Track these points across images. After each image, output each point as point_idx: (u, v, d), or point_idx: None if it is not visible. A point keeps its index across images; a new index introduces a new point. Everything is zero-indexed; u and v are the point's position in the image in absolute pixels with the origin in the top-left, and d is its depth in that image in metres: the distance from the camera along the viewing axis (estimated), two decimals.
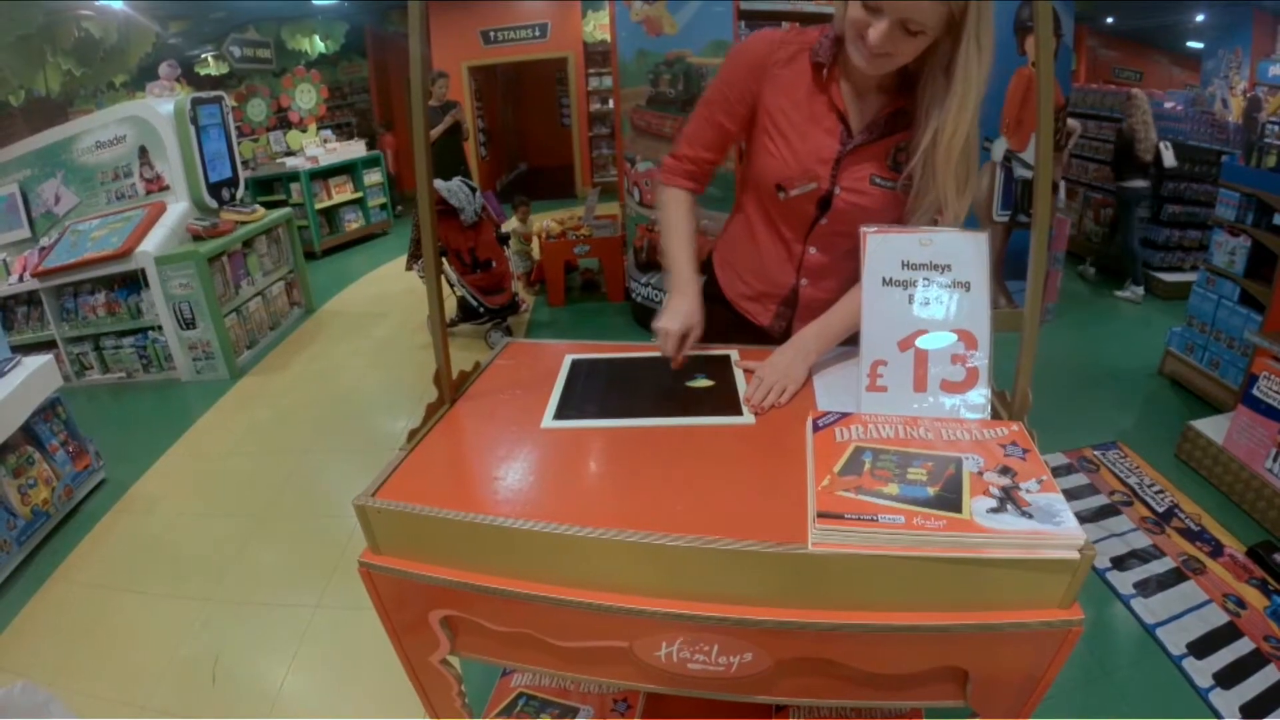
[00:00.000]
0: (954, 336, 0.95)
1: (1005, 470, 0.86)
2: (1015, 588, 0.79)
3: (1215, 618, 2.16)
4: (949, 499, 0.80)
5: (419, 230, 5.11)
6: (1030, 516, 0.78)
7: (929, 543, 0.76)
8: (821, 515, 0.78)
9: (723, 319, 1.40)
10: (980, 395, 0.95)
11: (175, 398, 4.14)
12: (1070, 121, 5.00)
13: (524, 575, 0.88)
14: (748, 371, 1.21)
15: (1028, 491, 0.82)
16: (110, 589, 2.49)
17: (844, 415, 0.95)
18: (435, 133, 5.70)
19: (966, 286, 0.94)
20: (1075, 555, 0.76)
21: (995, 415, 0.99)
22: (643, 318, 4.46)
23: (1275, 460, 2.60)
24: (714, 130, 1.27)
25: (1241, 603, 2.22)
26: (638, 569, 0.83)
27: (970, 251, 0.94)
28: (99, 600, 2.44)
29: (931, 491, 0.81)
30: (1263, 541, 2.46)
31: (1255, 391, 2.67)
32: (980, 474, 0.85)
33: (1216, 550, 2.46)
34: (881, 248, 0.94)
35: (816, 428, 0.93)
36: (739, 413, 1.09)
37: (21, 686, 1.26)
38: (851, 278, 1.23)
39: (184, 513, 2.95)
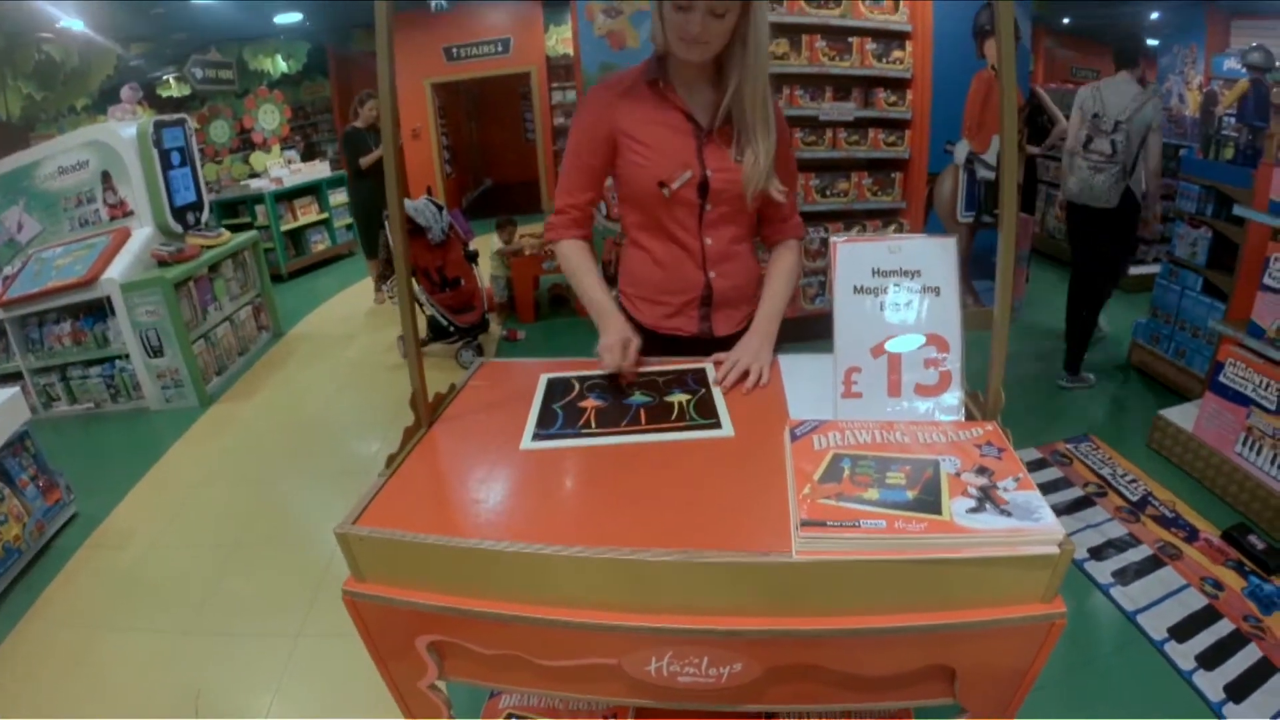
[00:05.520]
0: (923, 338, 0.97)
1: (982, 470, 0.87)
2: (998, 585, 0.80)
3: (1194, 601, 2.20)
4: (928, 501, 0.81)
5: (387, 250, 5.07)
6: (1009, 514, 0.80)
7: (911, 545, 0.77)
8: (804, 523, 0.78)
9: (651, 345, 1.46)
10: (954, 397, 0.97)
11: (145, 427, 4.06)
12: (1060, 125, 5.07)
13: (510, 597, 0.87)
14: (717, 363, 1.32)
15: (1005, 490, 0.84)
16: (87, 626, 2.43)
17: (821, 423, 0.96)
18: (367, 161, 5.47)
19: (936, 291, 0.96)
20: (1055, 550, 0.77)
21: (969, 416, 1.01)
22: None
23: (1245, 444, 2.66)
24: (585, 173, 1.42)
25: (1219, 585, 2.26)
26: (624, 586, 0.83)
27: (939, 256, 0.95)
28: (76, 638, 2.38)
29: (911, 495, 0.82)
30: (1236, 524, 2.51)
31: (1222, 378, 2.74)
32: (958, 475, 0.86)
33: (1191, 535, 2.51)
34: (851, 256, 0.96)
35: (794, 436, 0.94)
36: (718, 425, 1.10)
37: None
38: (745, 263, 1.49)
39: (158, 545, 2.88)
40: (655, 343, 1.49)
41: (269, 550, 2.76)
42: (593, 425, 1.13)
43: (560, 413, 1.19)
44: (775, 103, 1.36)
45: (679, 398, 1.20)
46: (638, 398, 1.22)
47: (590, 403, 1.22)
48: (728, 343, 1.41)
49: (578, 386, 1.28)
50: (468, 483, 1.02)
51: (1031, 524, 0.78)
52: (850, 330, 0.97)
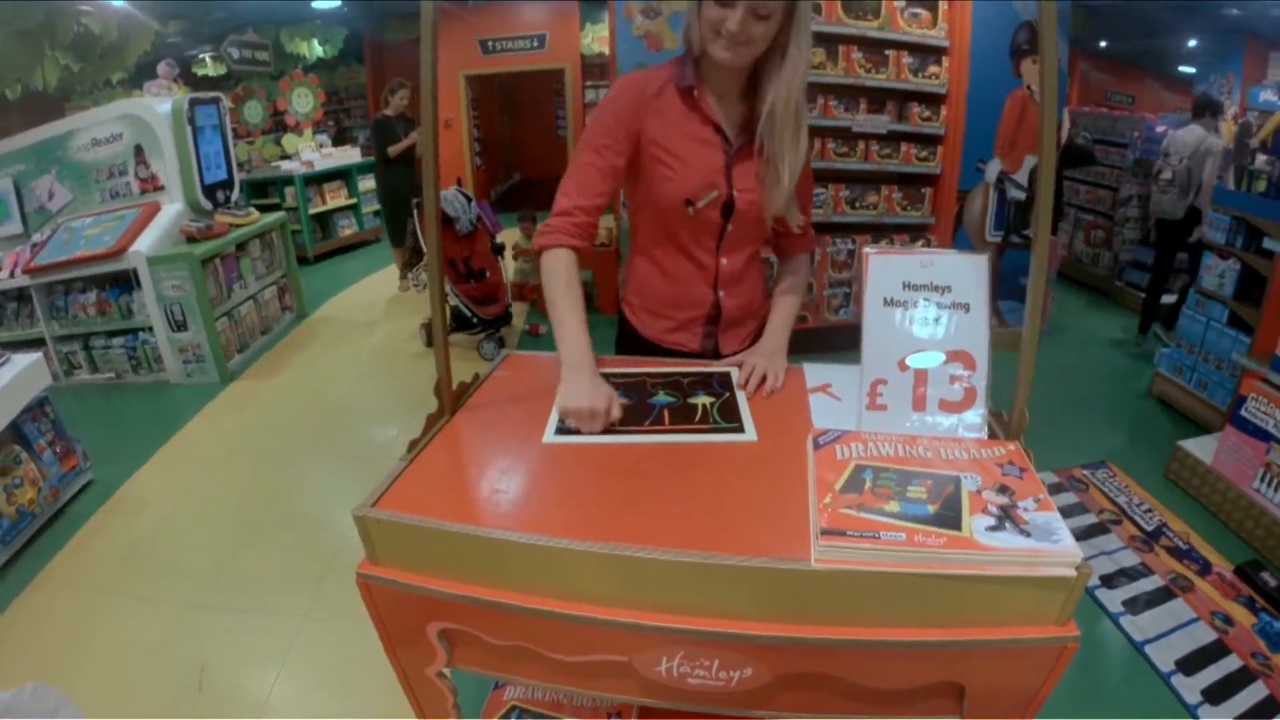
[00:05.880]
0: (943, 356, 0.97)
1: (1003, 489, 0.87)
2: (1013, 604, 0.80)
3: (1203, 635, 2.18)
4: (949, 517, 0.81)
5: (414, 239, 5.08)
6: (1028, 534, 0.79)
7: (930, 559, 0.77)
8: (825, 532, 0.78)
9: (651, 356, 1.46)
10: (978, 415, 0.96)
11: (164, 400, 4.11)
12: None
13: (524, 589, 0.87)
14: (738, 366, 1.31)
15: (1025, 510, 0.83)
16: (96, 592, 2.46)
17: (844, 433, 0.96)
18: (396, 149, 5.56)
19: (966, 308, 0.95)
20: (1072, 573, 0.77)
21: (992, 435, 1.00)
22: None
23: (1263, 480, 2.62)
24: (604, 174, 1.29)
25: (1229, 620, 2.24)
26: (639, 584, 0.83)
27: (970, 273, 0.95)
28: (84, 604, 2.41)
29: (931, 509, 0.82)
30: (1250, 560, 2.49)
31: (1243, 412, 2.71)
32: (979, 492, 0.86)
33: (1204, 568, 2.48)
34: (883, 268, 0.95)
35: (817, 445, 0.94)
36: (741, 430, 1.10)
37: (33, 688, 1.23)
38: (755, 282, 1.46)
39: (171, 516, 2.92)
40: (655, 354, 1.47)
41: (282, 530, 2.79)
42: (615, 423, 1.13)
43: None
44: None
45: (703, 400, 1.20)
46: (661, 398, 1.21)
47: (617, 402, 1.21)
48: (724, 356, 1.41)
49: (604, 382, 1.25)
50: (488, 473, 1.02)
51: (1050, 545, 0.78)
52: (879, 342, 0.96)
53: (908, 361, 0.98)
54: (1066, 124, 5.15)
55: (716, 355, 1.46)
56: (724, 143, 1.30)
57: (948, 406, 0.96)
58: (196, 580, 2.51)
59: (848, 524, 0.79)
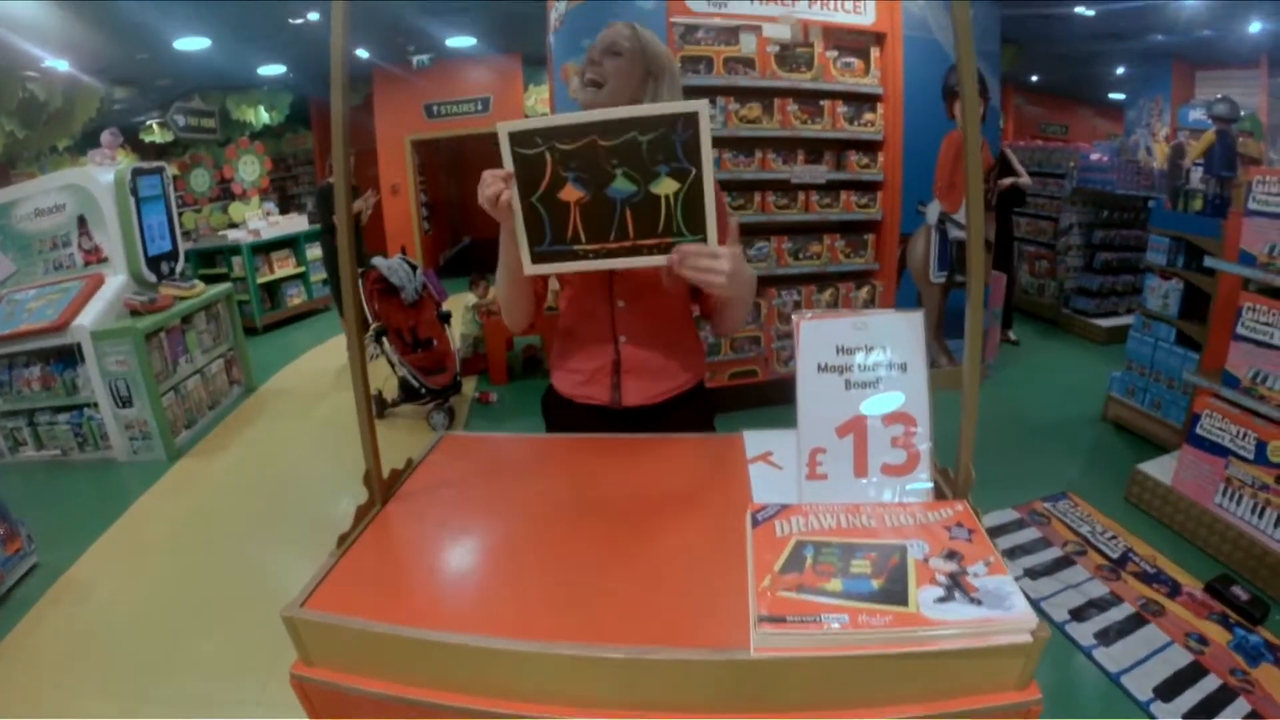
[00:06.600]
0: (882, 419, 0.95)
1: (951, 555, 0.85)
2: (969, 675, 0.77)
3: (1179, 658, 2.17)
4: (894, 591, 0.78)
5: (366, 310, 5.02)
6: (979, 603, 0.77)
7: (876, 640, 0.74)
8: (764, 619, 0.75)
9: (569, 418, 1.47)
10: (923, 477, 0.95)
11: (111, 479, 3.96)
12: (1022, 179, 5.21)
13: (462, 689, 0.83)
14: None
15: (975, 575, 0.81)
16: (40, 684, 2.33)
17: (783, 507, 0.93)
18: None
19: (904, 367, 0.94)
20: (1027, 638, 0.75)
21: (939, 493, 0.98)
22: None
23: (1224, 494, 2.66)
24: None
25: (1204, 640, 2.23)
26: (578, 681, 0.79)
27: (906, 332, 0.94)
28: (29, 695, 2.29)
29: (876, 585, 0.79)
30: (1219, 575, 2.50)
31: (1199, 430, 2.75)
32: (926, 560, 0.83)
33: (1174, 590, 2.49)
34: (814, 334, 0.94)
35: (756, 522, 0.91)
36: (704, 238, 1.11)
37: None
38: (661, 321, 1.42)
39: (118, 602, 2.79)
40: (571, 412, 1.47)
41: (231, 614, 2.67)
42: (581, 237, 1.13)
43: (544, 214, 1.13)
44: None
45: (666, 187, 1.09)
46: (621, 184, 1.10)
47: (571, 193, 1.12)
48: (640, 413, 1.41)
49: (549, 158, 1.11)
50: (421, 567, 0.98)
51: (1002, 613, 0.76)
52: (815, 409, 0.94)
53: (852, 424, 0.96)
54: (1016, 163, 5.29)
55: (624, 409, 1.43)
56: None
57: (891, 470, 0.94)
58: (144, 670, 2.38)
59: (787, 608, 0.76)
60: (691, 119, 1.05)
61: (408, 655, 0.84)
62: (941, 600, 0.78)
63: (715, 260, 1.11)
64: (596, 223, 1.12)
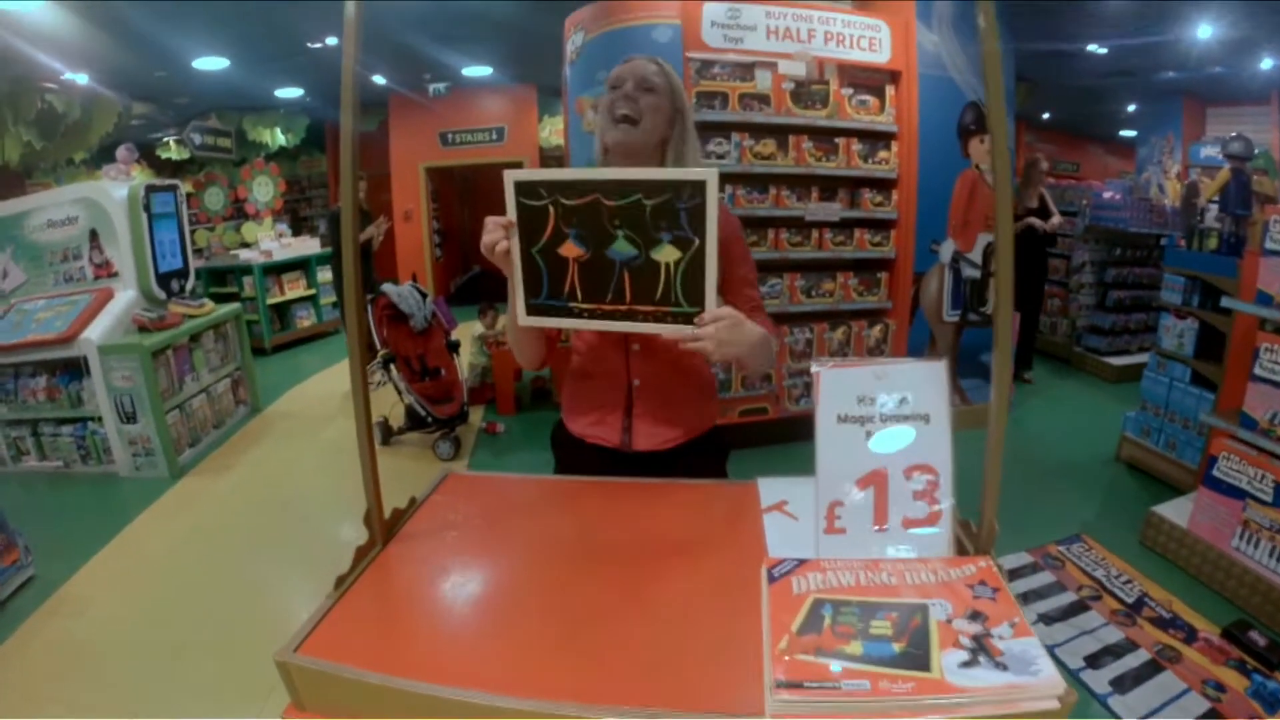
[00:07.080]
0: (916, 457, 0.92)
1: (975, 615, 0.81)
2: None
3: (1196, 706, 2.11)
4: (916, 656, 0.75)
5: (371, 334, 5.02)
6: (1005, 668, 0.74)
7: (897, 708, 0.71)
8: (780, 684, 0.71)
9: (578, 457, 1.45)
10: (944, 531, 0.91)
11: (113, 494, 3.93)
12: (1053, 219, 5.19)
13: None
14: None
15: (1000, 638, 0.78)
16: (31, 699, 2.29)
17: (800, 563, 0.89)
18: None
19: (926, 418, 0.91)
20: (1055, 704, 0.71)
21: (960, 548, 0.95)
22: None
23: (1241, 538, 2.60)
24: None
25: (1221, 687, 2.17)
26: None
27: (928, 382, 0.91)
28: (18, 708, 2.24)
29: (897, 648, 0.76)
30: (1236, 620, 2.43)
31: (1215, 472, 2.70)
32: (949, 621, 0.80)
33: (1190, 636, 2.43)
34: (835, 384, 0.91)
35: (772, 578, 0.87)
36: (701, 308, 1.08)
37: None
38: (676, 367, 1.38)
39: (114, 619, 2.74)
40: (582, 452, 1.44)
41: (230, 636, 2.61)
42: (578, 295, 1.11)
43: (544, 267, 1.11)
44: (724, 208, 1.22)
45: (668, 255, 1.06)
46: (621, 246, 1.07)
47: (571, 249, 1.10)
48: (650, 457, 1.38)
49: (553, 212, 1.09)
50: (419, 614, 0.95)
51: (1029, 678, 0.72)
52: (834, 462, 0.91)
53: (873, 477, 0.92)
54: (1050, 202, 5.28)
55: (633, 451, 1.41)
56: None
57: (911, 524, 0.91)
58: (138, 691, 2.33)
59: (805, 673, 0.72)
60: (699, 187, 1.01)
61: (403, 708, 0.80)
62: (966, 665, 0.74)
63: (701, 328, 1.08)
64: (594, 282, 1.10)
